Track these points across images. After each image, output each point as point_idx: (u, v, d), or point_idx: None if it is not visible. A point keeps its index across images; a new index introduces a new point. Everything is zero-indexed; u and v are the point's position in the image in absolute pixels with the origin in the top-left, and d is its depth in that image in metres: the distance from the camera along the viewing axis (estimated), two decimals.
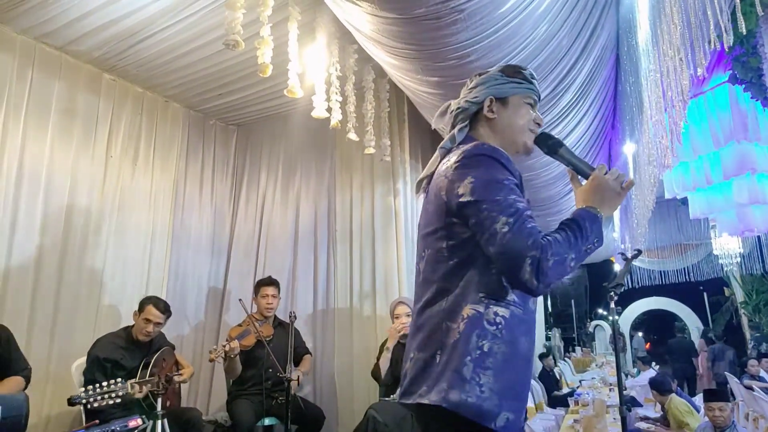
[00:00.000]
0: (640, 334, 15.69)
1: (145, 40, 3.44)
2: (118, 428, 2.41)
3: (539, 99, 1.42)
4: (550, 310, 16.41)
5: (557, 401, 6.85)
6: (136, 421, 2.53)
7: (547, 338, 11.83)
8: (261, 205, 4.71)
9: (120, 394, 2.58)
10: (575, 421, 4.18)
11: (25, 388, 2.59)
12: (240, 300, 3.49)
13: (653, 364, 8.61)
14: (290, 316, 3.31)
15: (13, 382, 2.56)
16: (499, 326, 1.16)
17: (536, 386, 6.64)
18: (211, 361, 3.25)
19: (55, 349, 3.37)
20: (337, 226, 4.30)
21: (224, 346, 3.27)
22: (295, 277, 4.37)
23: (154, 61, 3.72)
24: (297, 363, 3.66)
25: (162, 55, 3.64)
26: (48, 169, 3.47)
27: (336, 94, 3.16)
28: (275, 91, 4.06)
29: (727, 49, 2.88)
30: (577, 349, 14.33)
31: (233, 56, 3.59)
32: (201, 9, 3.11)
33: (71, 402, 2.42)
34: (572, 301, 18.37)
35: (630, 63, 3.08)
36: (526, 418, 1.19)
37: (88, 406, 2.48)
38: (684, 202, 5.75)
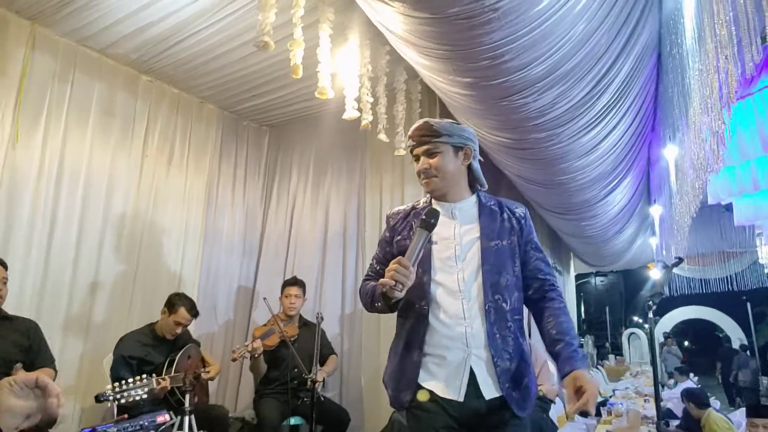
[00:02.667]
0: (675, 345, 15.14)
1: (180, 42, 3.50)
2: (146, 423, 2.45)
3: (420, 142, 1.67)
4: (583, 316, 16.05)
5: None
6: (164, 417, 2.57)
7: (580, 345, 11.53)
8: (292, 206, 4.73)
9: (146, 390, 2.61)
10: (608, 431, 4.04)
11: (54, 379, 2.66)
12: (264, 299, 3.51)
13: (691, 375, 8.30)
14: (317, 317, 3.31)
15: (46, 373, 2.63)
16: (396, 332, 1.69)
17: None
18: (234, 360, 3.28)
19: (90, 345, 3.45)
20: (366, 228, 4.28)
21: (247, 346, 3.29)
22: (324, 278, 4.37)
23: (190, 63, 3.78)
24: (322, 363, 3.65)
25: (197, 57, 3.70)
26: (87, 167, 3.57)
27: (367, 95, 3.14)
28: (307, 92, 4.07)
29: None
30: (611, 357, 13.95)
31: (266, 58, 3.62)
32: (235, 11, 3.14)
33: (98, 399, 2.46)
34: (606, 308, 17.91)
35: (673, 62, 2.96)
36: (414, 398, 1.53)
37: (116, 403, 2.53)
38: (728, 208, 5.52)
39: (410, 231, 1.67)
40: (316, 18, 2.88)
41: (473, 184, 1.73)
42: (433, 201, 1.73)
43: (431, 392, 1.51)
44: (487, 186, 1.76)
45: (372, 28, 3.02)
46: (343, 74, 3.04)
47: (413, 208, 1.75)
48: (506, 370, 1.52)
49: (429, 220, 1.45)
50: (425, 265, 1.58)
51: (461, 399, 1.48)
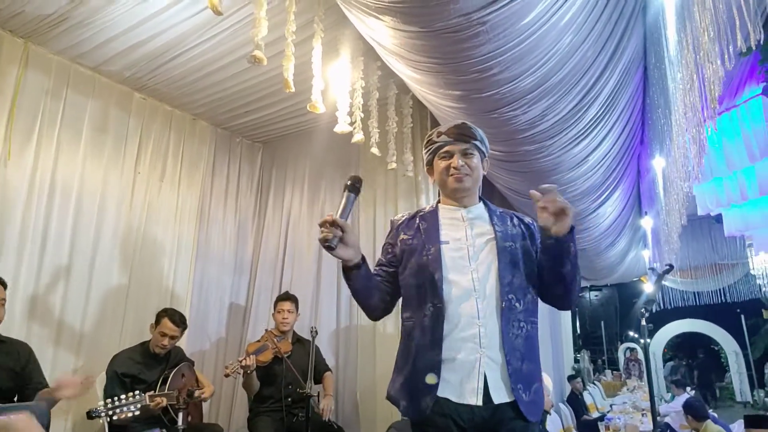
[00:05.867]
0: (671, 363, 15.12)
1: (173, 59, 3.53)
2: None
3: (458, 140, 1.70)
4: (578, 331, 16.01)
5: (586, 426, 6.62)
6: None
7: (576, 360, 11.50)
8: (286, 221, 4.73)
9: (138, 406, 2.58)
10: None
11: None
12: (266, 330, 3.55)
13: (688, 388, 8.26)
14: (311, 332, 3.29)
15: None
16: (401, 341, 1.64)
17: (564, 410, 6.44)
18: (227, 376, 3.24)
19: (81, 361, 3.41)
20: (360, 243, 4.27)
21: (240, 362, 3.26)
22: (319, 294, 4.35)
23: (183, 79, 3.81)
24: (317, 380, 3.62)
25: (190, 74, 3.73)
26: (79, 184, 3.57)
27: (359, 109, 3.18)
28: (300, 108, 4.10)
29: (759, 53, 2.80)
30: (608, 372, 13.89)
31: (259, 74, 3.66)
32: (227, 28, 3.18)
33: (90, 415, 2.43)
34: (602, 322, 17.88)
35: (658, 74, 3.02)
36: (435, 407, 1.47)
37: (107, 419, 2.49)
38: (718, 219, 5.57)
39: (416, 231, 1.68)
40: (308, 34, 2.93)
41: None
42: (440, 206, 1.75)
43: (446, 400, 1.47)
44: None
45: (363, 44, 3.07)
46: (335, 89, 3.08)
47: (418, 212, 1.78)
48: (518, 370, 1.50)
49: (355, 184, 1.51)
50: (436, 264, 1.57)
51: (480, 402, 1.45)
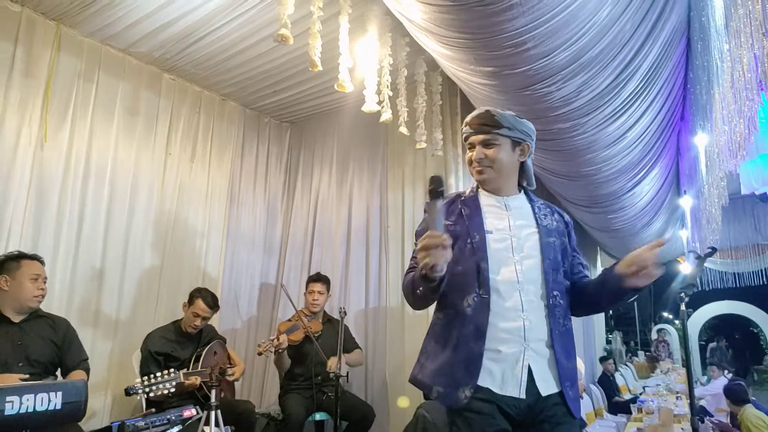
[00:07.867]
0: (712, 345, 14.76)
1: (201, 39, 3.53)
2: (173, 417, 2.49)
3: (478, 131, 1.63)
4: (611, 312, 15.75)
5: (618, 407, 6.55)
6: (190, 411, 2.60)
7: (608, 341, 11.34)
8: (315, 202, 4.74)
9: (173, 383, 2.64)
10: (639, 429, 3.95)
11: (87, 379, 2.69)
12: (282, 285, 3.52)
13: (725, 371, 8.05)
14: (340, 312, 3.31)
15: (77, 377, 2.65)
16: (435, 326, 1.60)
17: (595, 391, 6.38)
18: (260, 354, 3.30)
19: (118, 340, 3.52)
20: (389, 223, 4.26)
21: (272, 341, 3.31)
22: (348, 274, 4.37)
23: (211, 60, 3.81)
24: None
25: (218, 54, 3.72)
26: (112, 166, 3.63)
27: (387, 88, 3.12)
28: (328, 87, 4.06)
29: None
30: (640, 353, 13.68)
31: (287, 53, 3.63)
32: (254, 6, 3.15)
33: (128, 392, 2.50)
34: (635, 303, 17.54)
35: (702, 46, 2.86)
36: (476, 395, 1.44)
37: (145, 396, 2.57)
38: (762, 198, 5.33)
39: (459, 217, 1.61)
40: (335, 10, 2.87)
41: (521, 182, 1.72)
42: (480, 192, 1.68)
43: (488, 390, 1.44)
44: (535, 186, 1.74)
45: (392, 19, 3.00)
46: (362, 67, 3.02)
47: (458, 195, 1.70)
48: (565, 368, 1.50)
49: (438, 188, 1.39)
50: (482, 253, 1.53)
51: (523, 395, 1.43)
